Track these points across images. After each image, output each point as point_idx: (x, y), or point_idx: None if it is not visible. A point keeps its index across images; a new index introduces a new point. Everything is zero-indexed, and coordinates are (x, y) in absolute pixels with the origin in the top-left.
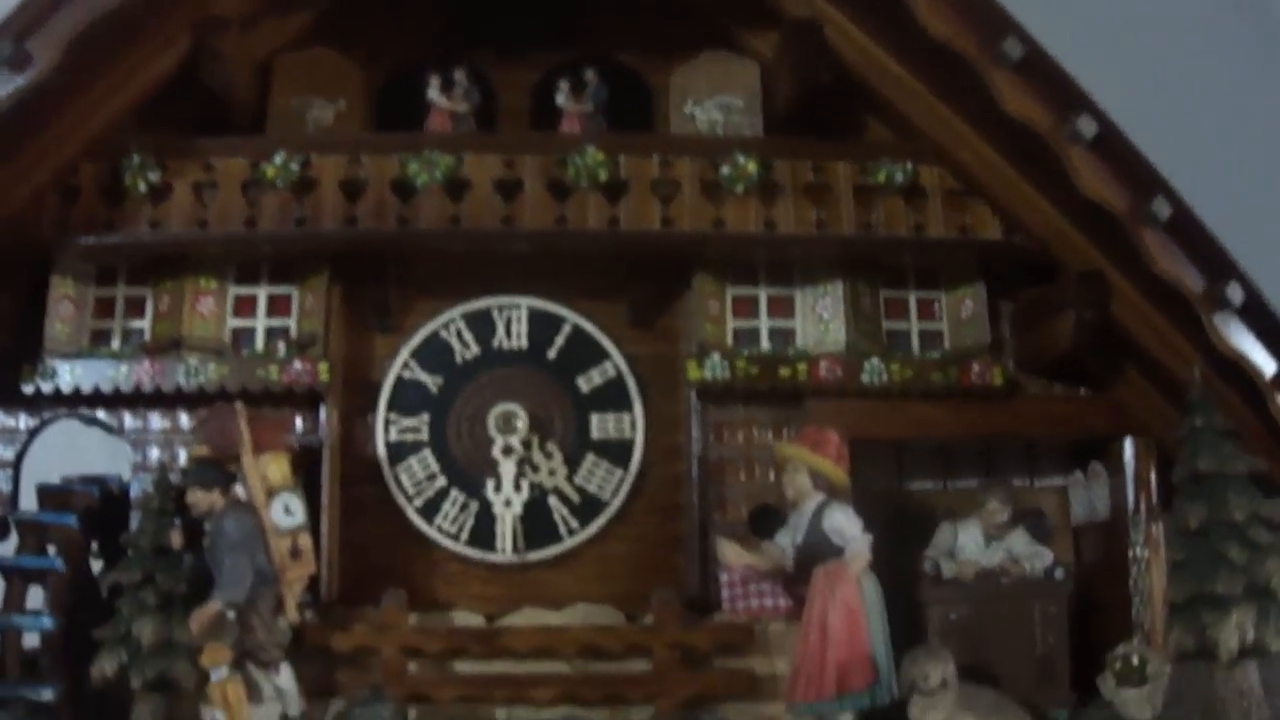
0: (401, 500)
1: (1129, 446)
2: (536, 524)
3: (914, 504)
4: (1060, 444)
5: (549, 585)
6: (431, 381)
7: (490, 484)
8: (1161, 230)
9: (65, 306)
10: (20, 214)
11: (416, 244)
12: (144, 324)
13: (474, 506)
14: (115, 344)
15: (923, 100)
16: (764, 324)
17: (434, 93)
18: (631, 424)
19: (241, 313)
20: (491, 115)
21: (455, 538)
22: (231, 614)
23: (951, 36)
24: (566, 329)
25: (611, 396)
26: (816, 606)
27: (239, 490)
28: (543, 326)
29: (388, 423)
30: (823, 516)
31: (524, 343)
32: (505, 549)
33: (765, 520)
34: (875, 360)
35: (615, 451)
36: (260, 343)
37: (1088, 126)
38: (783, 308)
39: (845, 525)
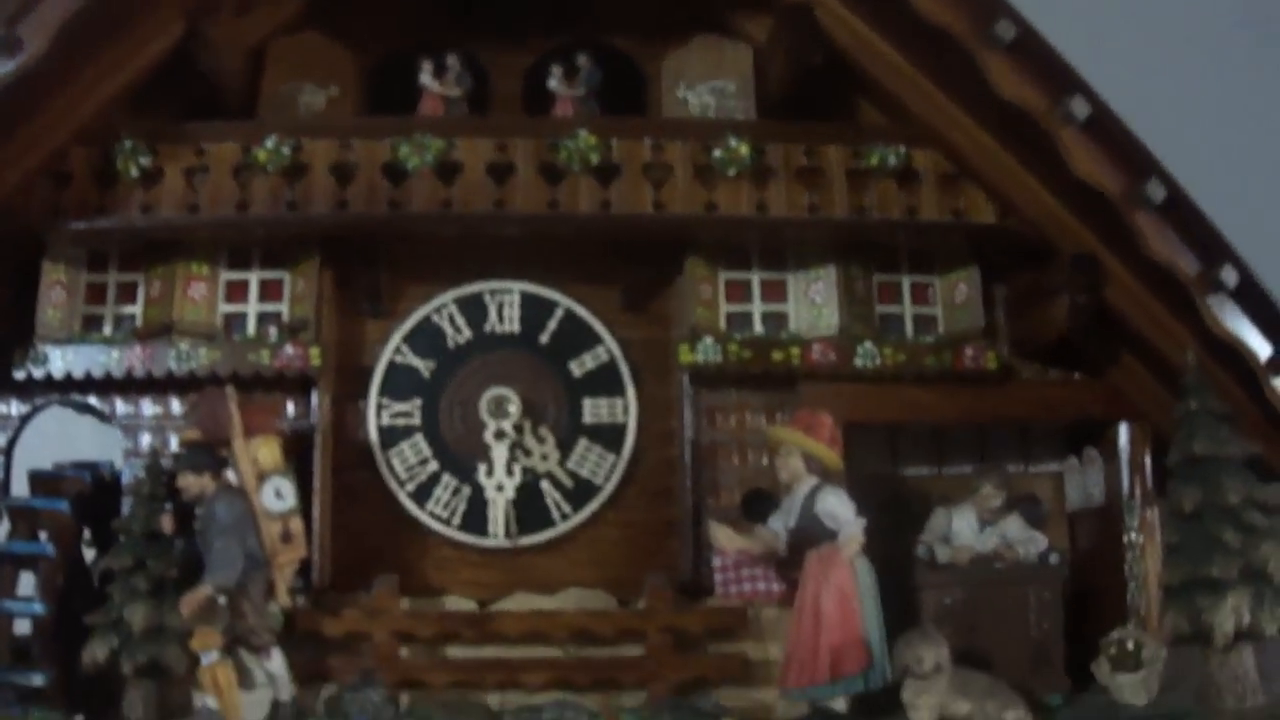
0: (393, 485)
1: (1124, 431)
2: (529, 509)
3: (908, 488)
4: (1055, 429)
5: (541, 570)
6: (423, 366)
7: (482, 469)
8: (1155, 213)
9: (57, 292)
10: (11, 199)
11: (408, 228)
12: (135, 309)
13: (466, 491)
14: (107, 329)
15: (915, 83)
16: (757, 308)
17: (426, 77)
18: (624, 408)
19: (233, 298)
20: (484, 100)
21: (447, 522)
22: (222, 599)
23: (944, 18)
24: (559, 313)
25: (604, 381)
26: (810, 590)
27: (230, 474)
28: (535, 311)
29: (380, 407)
30: (816, 500)
31: (516, 327)
32: (497, 534)
33: (758, 504)
34: (868, 344)
35: (608, 436)
36: (252, 327)
37: (1081, 108)
38: (775, 291)
39: (838, 509)
